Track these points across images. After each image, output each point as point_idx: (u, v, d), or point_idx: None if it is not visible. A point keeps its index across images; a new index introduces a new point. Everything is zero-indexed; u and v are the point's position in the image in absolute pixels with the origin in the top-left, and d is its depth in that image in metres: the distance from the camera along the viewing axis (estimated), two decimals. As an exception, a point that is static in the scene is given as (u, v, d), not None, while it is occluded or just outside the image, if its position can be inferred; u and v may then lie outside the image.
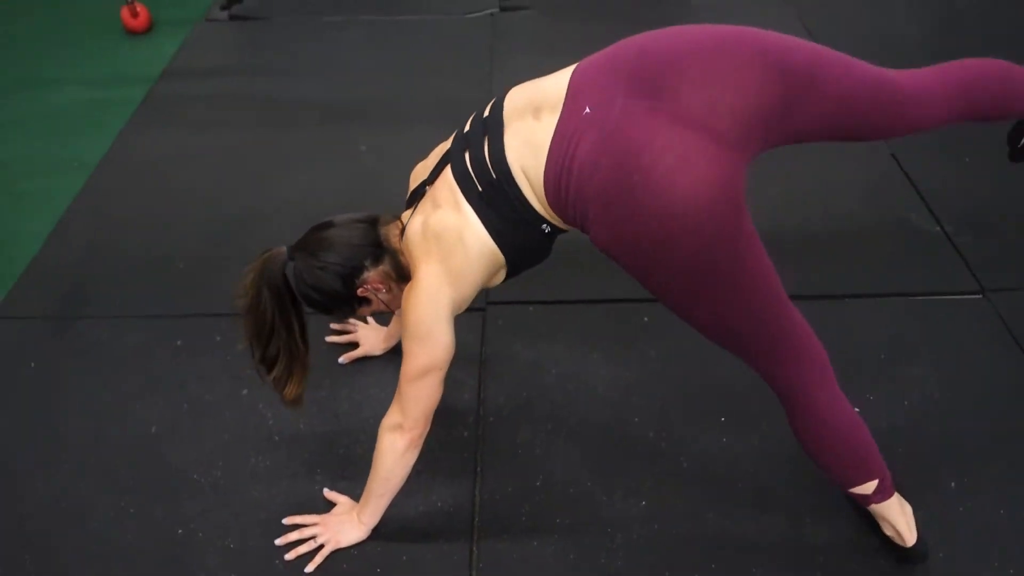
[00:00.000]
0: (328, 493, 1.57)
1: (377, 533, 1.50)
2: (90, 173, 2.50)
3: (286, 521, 1.52)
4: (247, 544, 1.50)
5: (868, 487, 1.38)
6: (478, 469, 1.63)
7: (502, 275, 1.43)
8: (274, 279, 1.38)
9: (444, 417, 1.52)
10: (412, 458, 1.42)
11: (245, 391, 1.78)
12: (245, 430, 1.71)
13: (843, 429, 1.36)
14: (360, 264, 1.41)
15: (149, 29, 3.38)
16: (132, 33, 3.36)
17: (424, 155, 1.51)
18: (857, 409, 1.37)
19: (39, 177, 2.54)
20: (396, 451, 1.40)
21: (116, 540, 1.51)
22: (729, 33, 1.25)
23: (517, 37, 3.21)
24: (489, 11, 3.39)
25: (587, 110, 1.20)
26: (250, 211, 2.32)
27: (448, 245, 1.33)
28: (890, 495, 1.41)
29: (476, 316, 1.94)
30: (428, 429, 1.42)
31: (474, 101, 1.51)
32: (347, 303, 1.45)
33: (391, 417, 1.40)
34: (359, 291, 1.43)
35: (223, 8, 3.44)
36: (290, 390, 1.43)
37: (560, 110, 1.24)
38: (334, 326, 1.90)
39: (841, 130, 1.31)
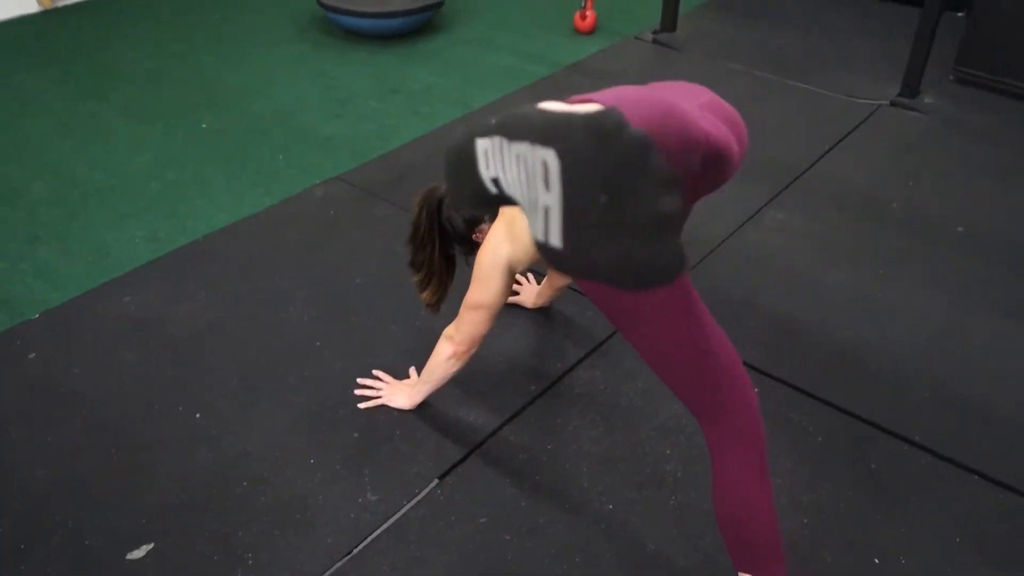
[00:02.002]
0: (411, 370, 2.04)
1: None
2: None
3: (360, 381, 2.04)
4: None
5: None
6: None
7: None
8: (431, 206, 1.83)
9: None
10: (454, 366, 1.81)
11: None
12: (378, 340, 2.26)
13: (744, 515, 1.41)
14: (480, 218, 1.81)
15: (592, 32, 4.07)
16: (579, 32, 4.07)
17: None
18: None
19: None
20: (443, 355, 1.80)
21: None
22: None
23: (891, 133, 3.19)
24: (877, 102, 3.38)
25: None
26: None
27: (514, 210, 1.67)
28: None
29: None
30: (474, 351, 1.79)
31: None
32: (466, 242, 1.85)
33: (449, 328, 1.80)
34: (474, 236, 1.83)
35: (653, 32, 3.96)
36: (426, 295, 1.85)
37: None
38: None
39: None
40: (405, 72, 3.68)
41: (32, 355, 2.13)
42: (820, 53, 3.84)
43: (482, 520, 1.73)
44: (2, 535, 1.68)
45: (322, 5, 3.87)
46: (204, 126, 3.23)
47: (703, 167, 1.20)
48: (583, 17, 4.05)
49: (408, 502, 1.77)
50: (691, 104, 1.26)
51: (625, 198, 0.92)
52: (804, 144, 3.11)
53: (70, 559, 1.63)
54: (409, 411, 1.96)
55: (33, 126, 3.21)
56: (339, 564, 1.64)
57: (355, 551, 1.67)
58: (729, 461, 1.41)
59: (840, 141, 3.13)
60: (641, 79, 3.59)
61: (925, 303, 2.34)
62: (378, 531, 1.70)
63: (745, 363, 2.06)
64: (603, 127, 0.92)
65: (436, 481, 1.81)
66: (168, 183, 2.86)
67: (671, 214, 0.91)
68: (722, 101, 1.42)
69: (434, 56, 3.85)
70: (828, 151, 3.06)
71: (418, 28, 4.03)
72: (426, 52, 3.89)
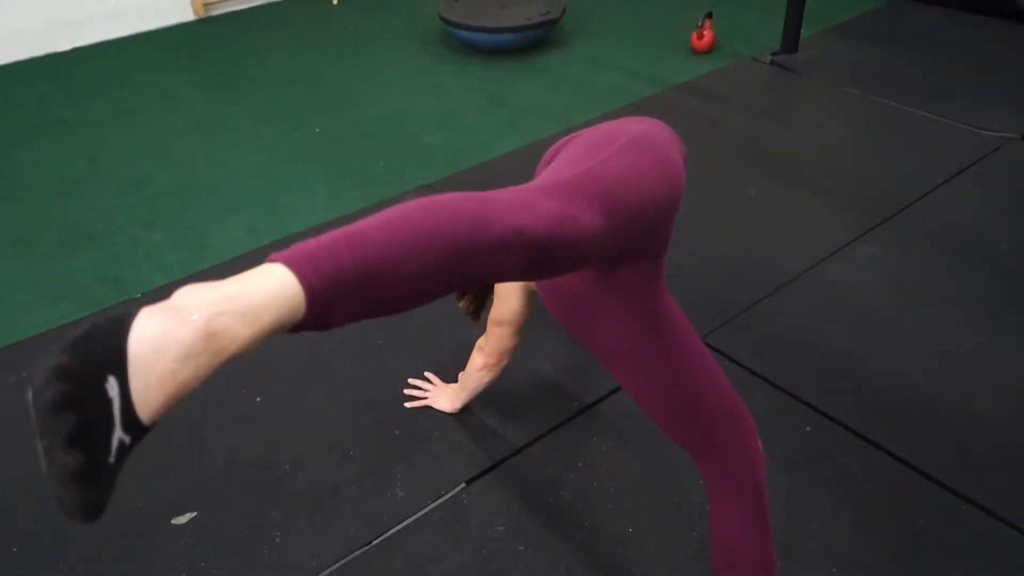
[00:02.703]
0: (460, 375, 2.10)
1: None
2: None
3: (410, 381, 2.11)
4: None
5: None
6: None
7: None
8: None
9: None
10: (486, 377, 1.86)
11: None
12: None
13: (732, 562, 1.38)
14: None
15: (709, 52, 4.00)
16: (696, 52, 4.02)
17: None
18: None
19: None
20: (475, 365, 1.86)
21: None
22: None
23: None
24: (1006, 135, 3.14)
25: None
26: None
27: None
28: None
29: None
30: (504, 363, 1.83)
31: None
32: None
33: (480, 340, 1.84)
34: None
35: (772, 53, 3.85)
36: (463, 304, 1.86)
37: None
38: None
39: None
40: (512, 86, 3.76)
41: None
42: (949, 80, 3.61)
43: (500, 528, 1.76)
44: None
45: (443, 20, 4.02)
46: (317, 130, 3.43)
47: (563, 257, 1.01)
48: (700, 37, 3.99)
49: (432, 502, 1.82)
50: (585, 163, 1.11)
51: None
52: (914, 176, 2.94)
53: (120, 518, 1.79)
54: (451, 415, 2.02)
55: (171, 123, 3.52)
56: (356, 553, 1.71)
57: (374, 542, 1.73)
58: (721, 506, 1.39)
59: (956, 175, 2.93)
60: (750, 101, 3.54)
61: (1017, 358, 2.16)
62: (399, 526, 1.77)
63: (797, 398, 2.02)
64: (39, 381, 0.68)
65: (463, 485, 1.86)
66: (274, 181, 3.06)
67: (68, 472, 0.68)
68: (651, 133, 1.25)
69: (544, 71, 3.91)
70: (940, 185, 2.88)
71: (533, 44, 4.10)
72: (537, 67, 3.95)
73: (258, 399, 2.09)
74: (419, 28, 4.42)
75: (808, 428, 1.97)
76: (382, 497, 1.83)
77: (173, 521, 1.79)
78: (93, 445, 0.66)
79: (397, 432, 1.99)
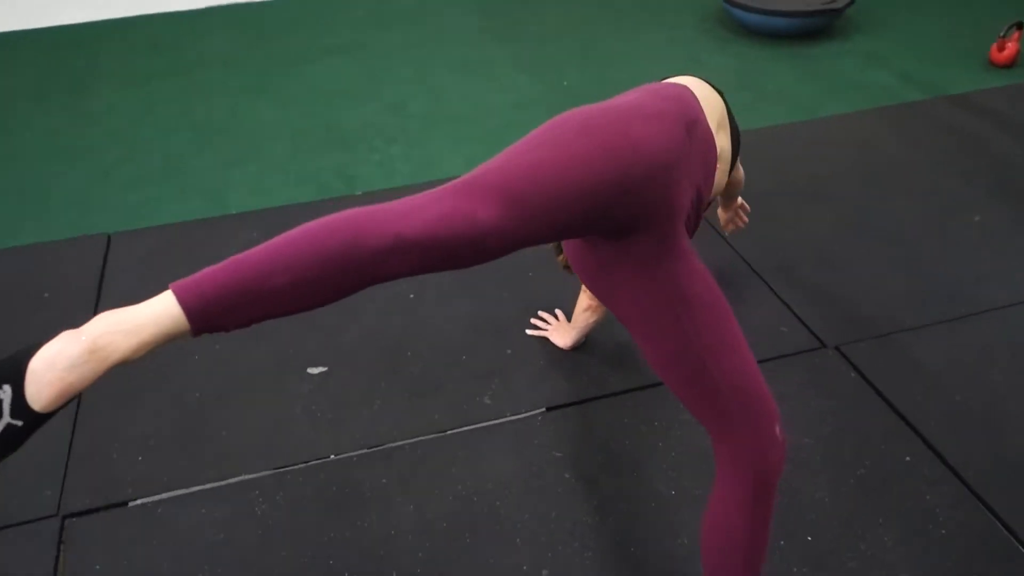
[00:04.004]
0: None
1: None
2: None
3: (540, 312, 2.28)
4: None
5: None
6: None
7: None
8: None
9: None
10: (591, 317, 2.05)
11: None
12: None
13: (716, 540, 1.39)
14: None
15: (1010, 66, 3.58)
16: (994, 64, 3.61)
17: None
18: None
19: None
20: (581, 305, 2.06)
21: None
22: None
23: None
24: None
25: None
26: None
27: None
28: None
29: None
30: (598, 317, 2.00)
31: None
32: None
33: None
34: None
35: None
36: (560, 259, 1.92)
37: None
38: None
39: None
40: (768, 70, 3.68)
41: (253, 234, 2.77)
42: None
43: (557, 454, 1.89)
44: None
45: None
46: (565, 83, 3.65)
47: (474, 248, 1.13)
48: (1001, 48, 3.58)
49: (511, 415, 2.00)
50: (518, 151, 1.21)
51: None
52: None
53: (271, 358, 2.19)
54: (561, 349, 2.17)
55: (446, 58, 3.94)
56: (432, 436, 1.95)
57: (448, 432, 1.96)
58: (722, 487, 1.38)
59: None
60: None
61: None
62: (475, 426, 1.97)
63: (912, 427, 1.91)
64: None
65: (543, 410, 2.01)
66: (508, 122, 3.35)
67: None
68: (625, 108, 1.29)
69: (806, 61, 3.76)
70: None
71: (809, 31, 3.95)
72: (801, 56, 3.81)
73: (411, 296, 2.39)
74: (698, 6, 4.43)
75: (908, 458, 1.84)
76: (471, 400, 2.04)
77: (308, 370, 2.15)
78: None
79: (508, 352, 2.18)
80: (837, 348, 2.13)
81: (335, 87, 3.69)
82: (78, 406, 2.03)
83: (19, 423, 0.97)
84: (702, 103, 1.47)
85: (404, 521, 1.76)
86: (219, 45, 4.14)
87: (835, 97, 3.43)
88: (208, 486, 1.85)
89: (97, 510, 1.80)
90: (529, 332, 2.23)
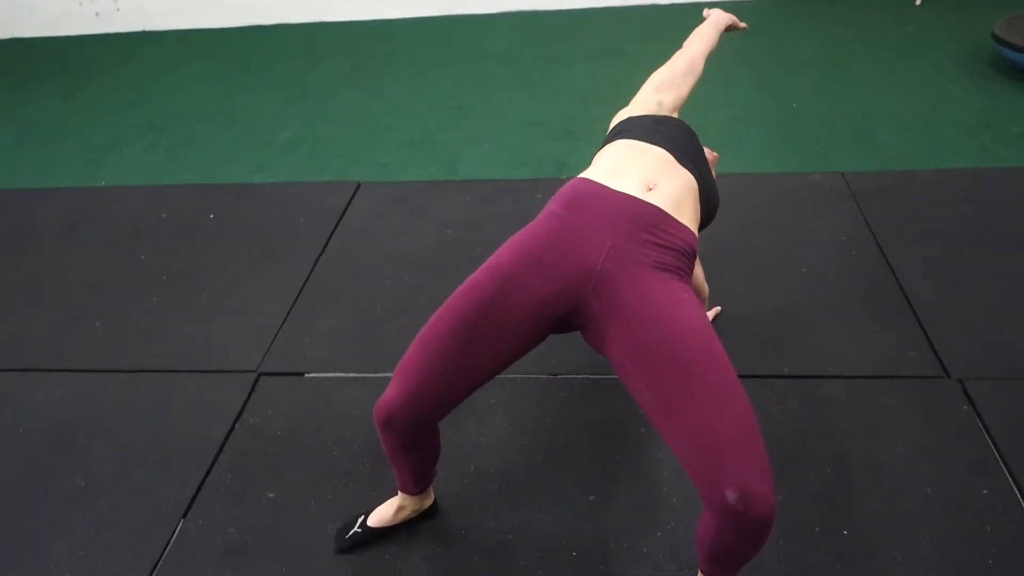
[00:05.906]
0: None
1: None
2: None
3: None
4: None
5: None
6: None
7: None
8: None
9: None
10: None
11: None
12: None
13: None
14: None
15: None
16: None
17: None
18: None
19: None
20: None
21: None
22: None
23: None
24: None
25: None
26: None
27: None
28: None
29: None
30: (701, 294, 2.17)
31: None
32: None
33: None
34: None
35: None
36: None
37: None
38: None
39: None
40: (1019, 113, 3.44)
41: (467, 198, 3.14)
42: None
43: (576, 419, 2.11)
44: (415, 274, 2.75)
45: (995, 38, 3.79)
46: (794, 105, 3.71)
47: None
48: None
49: (544, 375, 2.24)
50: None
51: None
52: None
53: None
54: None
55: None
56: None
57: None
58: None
59: None
60: None
61: None
62: (513, 376, 2.20)
63: (1006, 465, 1.84)
64: None
65: (585, 376, 2.23)
66: (725, 132, 3.50)
67: None
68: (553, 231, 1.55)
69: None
70: None
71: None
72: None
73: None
74: (975, 41, 4.20)
75: (985, 491, 1.80)
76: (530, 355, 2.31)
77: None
78: None
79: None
80: (960, 381, 2.09)
81: (582, 88, 4.09)
82: (294, 302, 2.61)
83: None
84: (636, 151, 1.72)
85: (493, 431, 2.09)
86: (497, 44, 4.73)
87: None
88: (362, 375, 2.31)
89: (283, 374, 2.34)
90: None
